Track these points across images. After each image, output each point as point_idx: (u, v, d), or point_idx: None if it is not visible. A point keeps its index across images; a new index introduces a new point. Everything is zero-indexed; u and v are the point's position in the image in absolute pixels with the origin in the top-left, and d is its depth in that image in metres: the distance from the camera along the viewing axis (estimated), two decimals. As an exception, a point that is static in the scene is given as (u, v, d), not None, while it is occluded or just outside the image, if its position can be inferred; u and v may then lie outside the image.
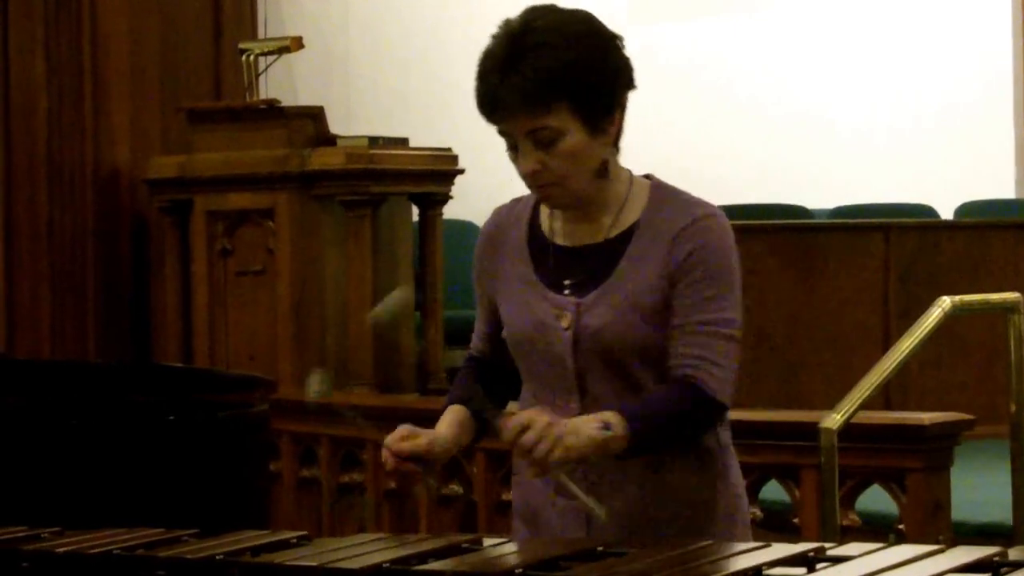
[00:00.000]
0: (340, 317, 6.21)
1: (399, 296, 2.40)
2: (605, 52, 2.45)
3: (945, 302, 3.97)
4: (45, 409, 3.81)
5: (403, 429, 2.46)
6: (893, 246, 6.36)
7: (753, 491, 4.29)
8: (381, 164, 6.22)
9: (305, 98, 7.06)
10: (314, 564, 2.13)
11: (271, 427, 4.33)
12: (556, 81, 2.38)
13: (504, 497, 4.68)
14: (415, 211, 6.52)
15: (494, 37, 2.45)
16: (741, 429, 4.27)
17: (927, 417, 4.11)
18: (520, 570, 2.01)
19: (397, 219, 6.35)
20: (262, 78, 6.58)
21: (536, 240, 2.54)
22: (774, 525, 4.26)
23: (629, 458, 2.38)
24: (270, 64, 6.60)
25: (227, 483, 3.71)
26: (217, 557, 2.20)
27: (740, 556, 2.02)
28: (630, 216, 2.49)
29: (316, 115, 6.38)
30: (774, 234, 6.54)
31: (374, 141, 6.28)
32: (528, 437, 2.29)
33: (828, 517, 3.74)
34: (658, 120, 8.70)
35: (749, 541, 2.31)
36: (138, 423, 3.70)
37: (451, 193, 6.55)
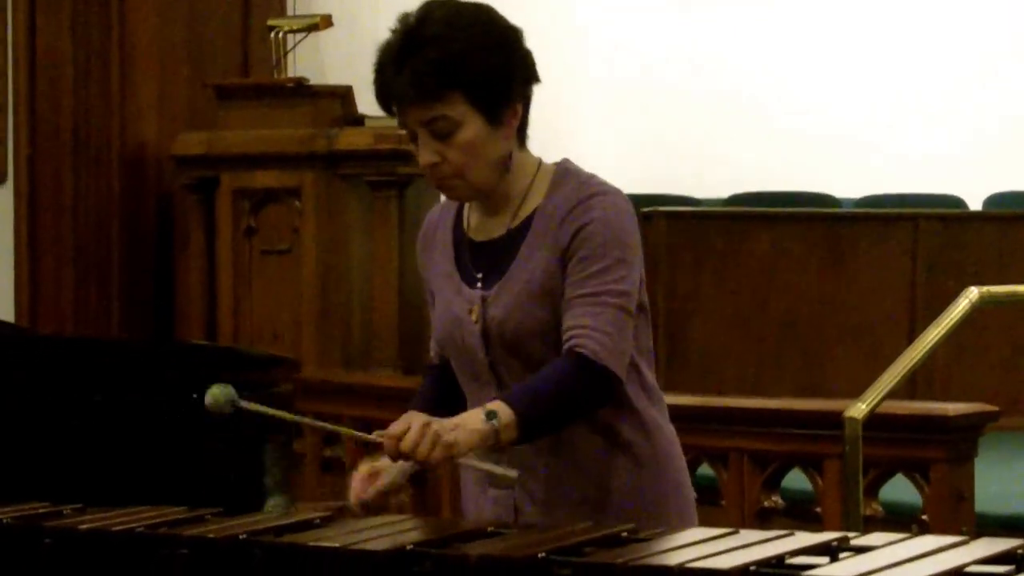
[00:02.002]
0: (365, 298, 6.21)
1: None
2: (500, 43, 2.45)
3: (972, 293, 3.95)
4: (68, 386, 3.81)
5: (364, 469, 2.47)
6: (921, 236, 6.35)
7: (775, 480, 4.28)
8: (408, 145, 6.21)
9: (333, 77, 7.05)
10: (337, 545, 2.13)
11: (294, 406, 4.33)
12: (447, 70, 2.39)
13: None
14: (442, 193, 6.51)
15: (392, 31, 2.46)
16: (765, 417, 4.30)
17: (952, 408, 4.10)
18: (543, 554, 2.01)
19: (424, 200, 6.34)
20: (290, 56, 6.57)
21: (457, 235, 2.56)
22: (796, 514, 4.26)
23: (527, 441, 2.38)
24: (299, 42, 6.59)
25: (250, 462, 3.71)
26: (240, 536, 2.20)
27: (763, 544, 2.01)
28: (531, 205, 2.50)
29: (344, 94, 6.37)
30: (801, 222, 6.53)
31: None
32: (407, 441, 2.29)
33: (851, 507, 3.73)
34: (687, 106, 8.68)
35: (693, 526, 2.34)
36: (161, 401, 3.70)
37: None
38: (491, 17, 2.48)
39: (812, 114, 8.52)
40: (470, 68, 2.40)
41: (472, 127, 2.42)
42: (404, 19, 2.46)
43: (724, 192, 7.97)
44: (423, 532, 2.18)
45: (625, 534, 2.13)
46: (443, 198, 2.58)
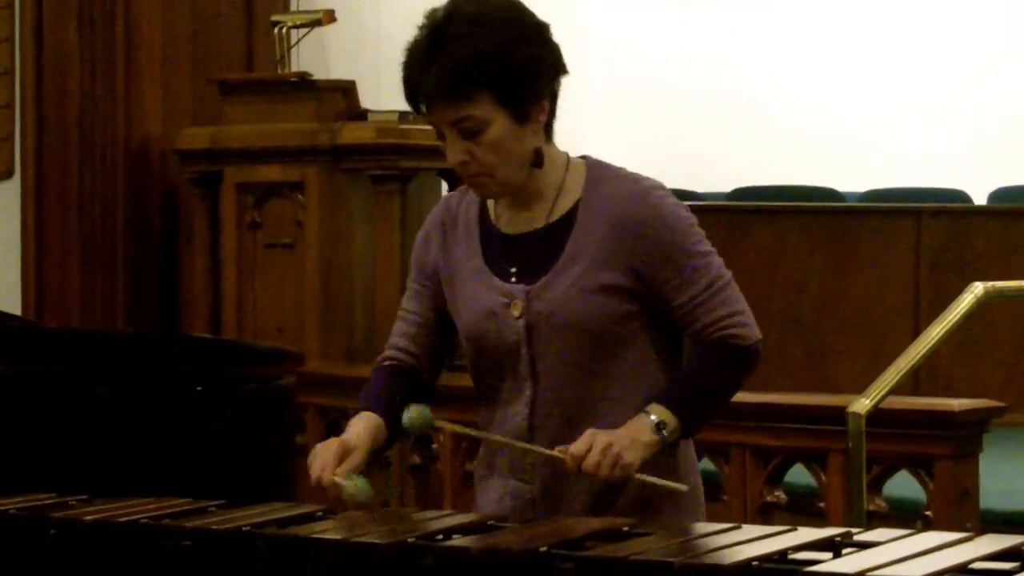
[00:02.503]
0: (368, 291, 6.22)
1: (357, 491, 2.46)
2: (528, 40, 2.44)
3: (977, 288, 3.95)
4: (73, 378, 3.82)
5: (335, 448, 2.44)
6: (925, 231, 6.34)
7: (779, 475, 4.28)
8: (411, 139, 6.22)
9: (336, 72, 7.05)
10: (339, 538, 2.14)
11: (298, 400, 4.34)
12: (476, 70, 2.38)
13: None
14: (444, 186, 6.51)
15: (420, 27, 2.44)
16: (768, 412, 4.29)
17: (956, 404, 4.09)
18: (545, 548, 2.01)
19: (426, 194, 6.34)
20: (294, 51, 6.57)
21: (485, 228, 2.54)
22: (799, 509, 4.26)
23: (691, 435, 2.49)
24: (302, 37, 6.60)
25: (253, 455, 3.72)
26: (244, 529, 2.21)
27: (766, 540, 2.01)
28: (569, 199, 2.49)
29: (347, 89, 6.38)
30: (805, 216, 6.52)
31: (404, 116, 6.26)
32: (589, 461, 2.35)
33: (855, 502, 3.73)
34: (689, 102, 8.68)
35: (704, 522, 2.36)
36: (166, 394, 3.71)
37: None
38: (519, 12, 2.46)
39: (815, 110, 8.52)
40: (498, 67, 2.39)
41: (500, 125, 2.41)
42: (432, 15, 2.44)
43: (727, 186, 7.97)
44: (425, 525, 2.18)
45: (626, 528, 2.13)
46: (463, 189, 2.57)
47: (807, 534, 2.03)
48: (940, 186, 7.78)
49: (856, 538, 2.02)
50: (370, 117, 6.33)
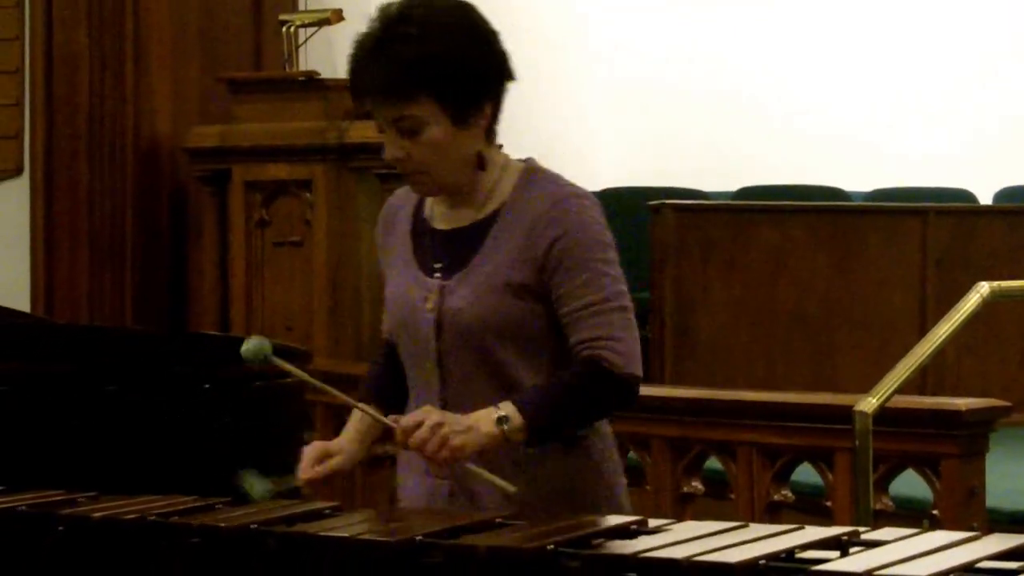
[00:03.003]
0: (376, 289, 6.22)
1: None
2: (475, 46, 2.47)
3: (983, 287, 3.95)
4: (81, 375, 3.83)
5: (316, 449, 2.52)
6: (931, 230, 6.34)
7: (786, 473, 4.28)
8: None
9: (344, 71, 7.04)
10: (347, 535, 2.14)
11: (305, 397, 4.34)
12: (418, 72, 2.41)
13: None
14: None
15: (371, 21, 2.47)
16: (775, 410, 4.30)
17: (963, 403, 4.09)
18: (552, 546, 2.01)
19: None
20: (302, 50, 6.58)
21: (419, 223, 2.59)
22: (806, 508, 4.26)
23: (537, 444, 2.43)
24: (310, 36, 6.61)
25: (261, 453, 3.72)
26: (251, 526, 2.22)
27: (773, 538, 2.02)
28: (497, 200, 2.52)
29: (355, 88, 6.38)
30: (811, 216, 6.52)
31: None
32: (416, 437, 2.35)
33: (862, 501, 3.73)
34: (696, 100, 8.68)
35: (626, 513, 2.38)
36: (174, 391, 3.71)
37: (487, 169, 6.55)
38: (469, 18, 2.50)
39: (822, 110, 8.52)
40: (441, 71, 2.42)
41: (439, 127, 2.44)
42: (384, 12, 2.47)
43: (733, 186, 7.97)
44: (433, 523, 2.19)
45: (634, 527, 2.13)
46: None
47: (814, 533, 2.04)
48: (946, 186, 7.78)
49: (863, 537, 2.03)
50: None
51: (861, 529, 2.06)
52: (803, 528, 2.07)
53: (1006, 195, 7.85)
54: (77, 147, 6.61)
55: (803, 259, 6.33)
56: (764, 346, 6.27)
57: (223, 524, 2.24)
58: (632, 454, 4.52)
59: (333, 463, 2.54)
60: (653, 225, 6.48)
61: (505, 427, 2.38)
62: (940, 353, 3.98)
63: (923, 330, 4.97)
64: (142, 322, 6.49)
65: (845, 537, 2.01)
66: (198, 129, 6.57)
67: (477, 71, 2.46)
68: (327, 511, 2.33)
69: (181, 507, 2.36)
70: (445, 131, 2.44)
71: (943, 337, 3.89)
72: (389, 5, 2.48)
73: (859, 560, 1.91)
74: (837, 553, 1.97)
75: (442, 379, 2.50)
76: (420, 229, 2.58)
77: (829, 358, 6.23)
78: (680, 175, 8.18)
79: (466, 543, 2.07)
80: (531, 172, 2.54)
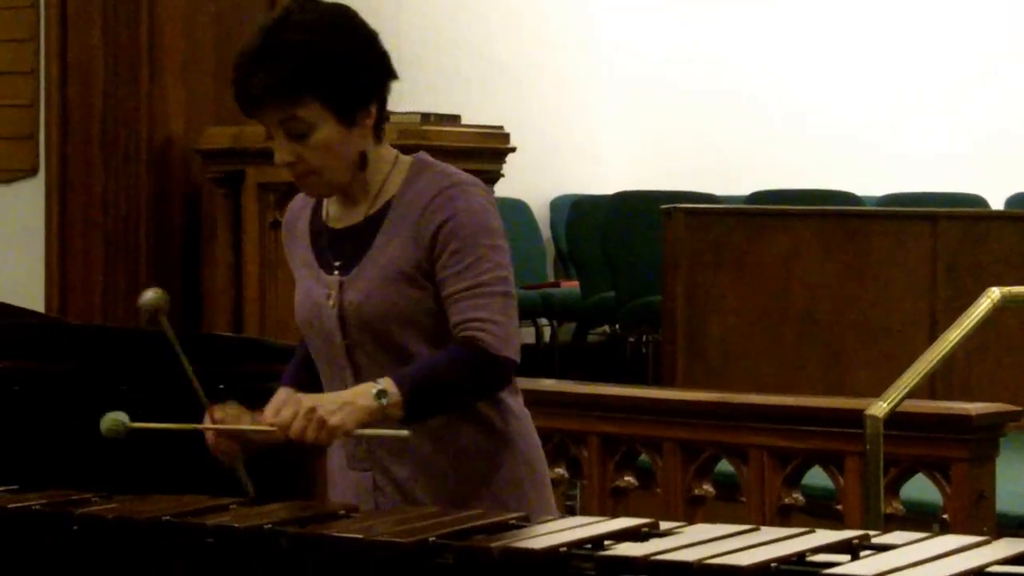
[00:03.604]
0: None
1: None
2: (355, 46, 2.51)
3: (994, 293, 3.95)
4: (95, 375, 3.84)
5: (228, 409, 2.58)
6: (941, 235, 6.34)
7: (796, 477, 4.29)
8: (433, 141, 6.22)
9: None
10: (360, 536, 2.15)
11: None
12: (302, 74, 2.45)
13: (617, 483, 4.53)
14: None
15: (253, 30, 2.52)
16: (786, 414, 4.30)
17: (973, 408, 4.10)
18: (565, 549, 2.02)
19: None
20: (315, 52, 6.59)
21: (316, 224, 2.64)
22: (817, 511, 4.26)
23: (413, 421, 2.46)
24: (323, 38, 6.61)
25: (273, 453, 3.73)
26: (265, 527, 2.23)
27: (784, 541, 2.03)
28: (388, 194, 2.57)
29: (368, 90, 6.38)
30: (822, 220, 6.53)
31: (426, 118, 6.28)
32: (294, 429, 2.40)
33: (872, 505, 3.73)
34: (709, 106, 8.69)
35: (551, 511, 2.49)
36: (186, 392, 3.72)
37: (502, 171, 6.57)
38: (349, 20, 2.54)
39: (834, 114, 8.52)
40: (324, 74, 2.47)
41: (326, 129, 2.49)
42: (267, 19, 2.53)
43: (744, 190, 7.97)
44: (446, 524, 2.20)
45: (646, 529, 2.14)
46: None
47: (825, 536, 2.04)
48: (957, 191, 7.77)
49: (874, 540, 2.03)
50: (391, 118, 6.32)
51: (872, 533, 2.07)
52: (814, 531, 2.07)
53: (1017, 200, 7.84)
54: (91, 148, 6.62)
55: (814, 263, 6.33)
56: (775, 350, 6.27)
57: (236, 524, 2.25)
58: (643, 456, 4.53)
59: (241, 422, 2.56)
60: (664, 229, 6.48)
61: (384, 401, 2.42)
62: (951, 358, 3.98)
63: (933, 335, 4.98)
64: (155, 322, 6.50)
65: (856, 541, 2.02)
66: (211, 130, 6.58)
67: (359, 71, 2.51)
68: (340, 512, 2.34)
69: (195, 507, 2.37)
70: (333, 132, 2.49)
71: (954, 342, 3.89)
72: (268, 15, 2.55)
73: (870, 564, 1.92)
74: (848, 557, 1.97)
75: (354, 373, 2.55)
76: (318, 230, 2.64)
77: (840, 362, 6.23)
78: (692, 179, 8.19)
79: (479, 544, 2.08)
80: (420, 165, 2.60)
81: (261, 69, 2.46)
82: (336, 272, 2.58)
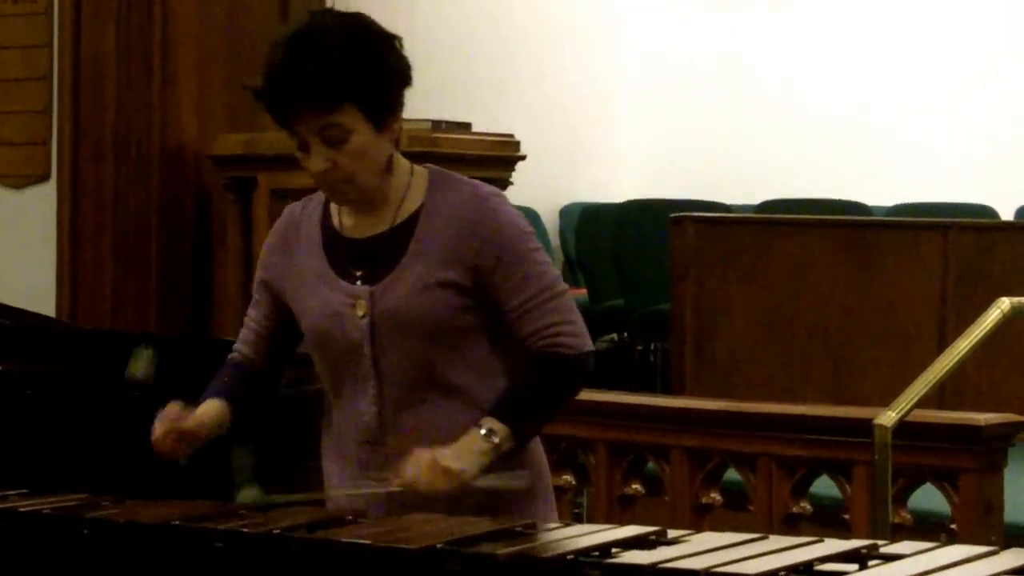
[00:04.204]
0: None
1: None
2: (387, 53, 2.54)
3: (1004, 303, 3.95)
4: (105, 379, 3.85)
5: (175, 407, 2.61)
6: (951, 245, 6.33)
7: (804, 486, 4.29)
8: (443, 148, 6.24)
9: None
10: (368, 542, 2.16)
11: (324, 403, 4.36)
12: (342, 80, 2.47)
13: (625, 491, 4.54)
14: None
15: (277, 42, 2.53)
16: (794, 423, 4.30)
17: (982, 417, 4.10)
18: (572, 556, 2.03)
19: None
20: (326, 59, 6.60)
21: (328, 235, 2.64)
22: (824, 520, 4.26)
23: (522, 445, 2.54)
24: (335, 45, 6.62)
25: (282, 459, 3.75)
26: (274, 531, 2.24)
27: (792, 550, 2.03)
28: (412, 203, 2.59)
29: (379, 97, 6.39)
30: (832, 229, 6.52)
31: (437, 125, 6.29)
32: (423, 483, 2.44)
33: (880, 514, 3.73)
34: (720, 115, 8.69)
35: (556, 520, 2.50)
36: (196, 396, 3.73)
37: (511, 179, 6.58)
38: (371, 25, 2.57)
39: (844, 123, 8.52)
40: (362, 80, 2.49)
41: (362, 134, 2.51)
42: (292, 30, 2.54)
43: (755, 199, 7.97)
44: (454, 531, 2.20)
45: (653, 537, 2.15)
46: (317, 197, 2.67)
47: (833, 545, 2.05)
48: (967, 201, 7.77)
49: (882, 550, 2.03)
50: (402, 125, 6.33)
51: (879, 542, 2.07)
52: (822, 541, 2.08)
53: (1027, 211, 7.84)
54: (103, 153, 6.64)
55: (824, 273, 6.33)
56: (784, 359, 6.27)
57: (246, 529, 2.26)
58: (651, 464, 4.53)
59: (189, 423, 2.60)
60: (674, 237, 6.49)
61: (496, 440, 2.48)
62: (959, 368, 3.98)
63: (943, 344, 4.97)
64: (166, 327, 6.51)
65: (864, 550, 2.02)
66: (223, 137, 6.59)
67: (392, 76, 2.54)
68: (348, 517, 2.35)
69: (203, 512, 2.38)
70: (367, 137, 2.51)
71: (963, 352, 3.89)
72: (289, 27, 2.56)
73: (877, 573, 1.93)
74: (856, 566, 1.98)
75: (378, 384, 2.56)
76: (330, 238, 2.63)
77: (849, 371, 6.23)
78: (701, 188, 8.20)
79: (486, 551, 2.09)
80: (439, 175, 2.62)
81: (301, 78, 2.47)
82: (359, 282, 2.57)
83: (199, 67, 6.74)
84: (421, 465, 2.44)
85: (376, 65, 2.50)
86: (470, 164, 6.43)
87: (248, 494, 2.61)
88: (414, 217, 2.57)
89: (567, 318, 2.55)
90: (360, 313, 2.55)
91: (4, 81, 6.78)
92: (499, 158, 6.49)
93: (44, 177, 6.71)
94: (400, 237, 2.57)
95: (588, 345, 2.57)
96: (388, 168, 2.57)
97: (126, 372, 2.63)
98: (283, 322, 2.69)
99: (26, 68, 6.74)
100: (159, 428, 2.59)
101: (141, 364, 2.62)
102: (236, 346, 2.76)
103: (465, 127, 6.54)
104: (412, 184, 2.60)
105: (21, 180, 6.77)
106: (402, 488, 2.46)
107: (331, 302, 2.59)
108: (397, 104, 2.55)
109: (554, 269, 2.59)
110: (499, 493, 2.53)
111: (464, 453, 2.46)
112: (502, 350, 2.60)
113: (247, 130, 6.55)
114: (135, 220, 6.61)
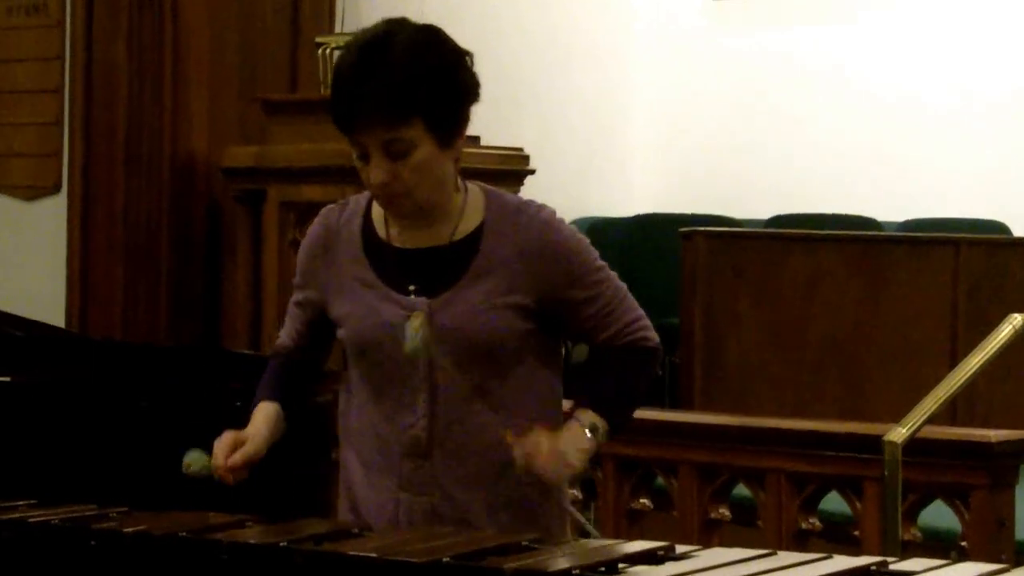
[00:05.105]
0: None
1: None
2: (458, 68, 2.53)
3: (1016, 319, 3.94)
4: (115, 391, 3.86)
5: (228, 437, 2.58)
6: (963, 260, 6.32)
7: (814, 502, 4.28)
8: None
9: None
10: (374, 555, 2.15)
11: (335, 417, 4.36)
12: (412, 95, 2.46)
13: (633, 506, 4.53)
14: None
15: (350, 47, 2.52)
16: (804, 438, 4.29)
17: (993, 434, 4.09)
18: (577, 571, 2.02)
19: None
20: (338, 72, 6.60)
21: (371, 242, 2.61)
22: (834, 537, 4.25)
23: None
24: (346, 58, 6.63)
25: (290, 471, 3.74)
26: (280, 544, 2.23)
27: (801, 567, 2.02)
28: (471, 221, 2.58)
29: (390, 110, 6.40)
30: (843, 244, 6.51)
31: (447, 137, 6.29)
32: (541, 462, 2.44)
33: (890, 531, 3.72)
34: (731, 129, 8.69)
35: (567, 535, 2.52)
36: (206, 408, 3.74)
37: (520, 193, 6.58)
38: (446, 41, 2.55)
39: (855, 138, 8.51)
40: (432, 93, 2.47)
41: (425, 149, 2.49)
42: (365, 38, 2.51)
43: (765, 214, 7.97)
44: (460, 545, 2.20)
45: (661, 552, 2.14)
46: (356, 202, 2.68)
47: (843, 562, 2.04)
48: (979, 217, 7.75)
49: (892, 567, 2.03)
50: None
51: (889, 559, 2.06)
52: (831, 557, 2.07)
53: (1040, 227, 7.81)
54: (115, 165, 6.65)
55: (834, 288, 6.32)
56: (794, 374, 6.26)
57: (252, 541, 2.26)
58: (660, 479, 4.52)
59: (249, 448, 2.58)
60: (684, 252, 6.48)
61: (599, 436, 2.53)
62: (971, 384, 3.97)
63: (954, 360, 4.96)
64: (175, 338, 6.52)
65: (874, 567, 2.01)
66: (234, 149, 6.60)
67: (461, 93, 2.53)
68: (355, 530, 2.35)
69: (211, 523, 2.38)
70: (431, 152, 2.50)
71: (974, 368, 3.88)
72: (363, 33, 2.53)
73: (885, 589, 1.92)
74: (864, 582, 1.97)
75: (430, 397, 2.54)
76: (376, 248, 2.61)
77: (859, 387, 6.22)
78: (712, 202, 8.19)
79: (492, 565, 2.09)
80: (495, 195, 2.63)
81: (368, 88, 2.45)
82: (413, 294, 2.56)
83: (210, 79, 6.75)
84: (543, 448, 2.44)
85: (446, 81, 2.49)
86: (479, 178, 6.41)
87: (194, 458, 2.59)
88: (475, 234, 2.56)
89: (639, 314, 2.64)
90: (416, 325, 2.54)
91: (16, 93, 6.80)
92: (508, 172, 6.49)
93: (55, 189, 6.72)
94: (460, 253, 2.55)
95: (656, 336, 2.66)
96: (451, 183, 2.56)
97: (183, 466, 2.63)
98: (324, 323, 2.67)
99: (38, 80, 6.76)
100: (221, 457, 2.57)
101: (198, 462, 2.61)
102: (281, 339, 2.75)
103: (474, 141, 6.55)
104: (469, 201, 2.59)
105: (32, 192, 6.78)
106: (520, 455, 2.45)
107: (380, 311, 2.56)
108: (463, 121, 2.54)
109: (612, 271, 2.66)
110: (530, 508, 2.55)
111: (578, 451, 2.50)
112: (545, 368, 2.61)
113: (258, 142, 6.57)
114: (146, 232, 6.62)
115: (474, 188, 2.62)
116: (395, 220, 2.60)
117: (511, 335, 2.53)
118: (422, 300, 2.54)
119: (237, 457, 2.56)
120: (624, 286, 2.66)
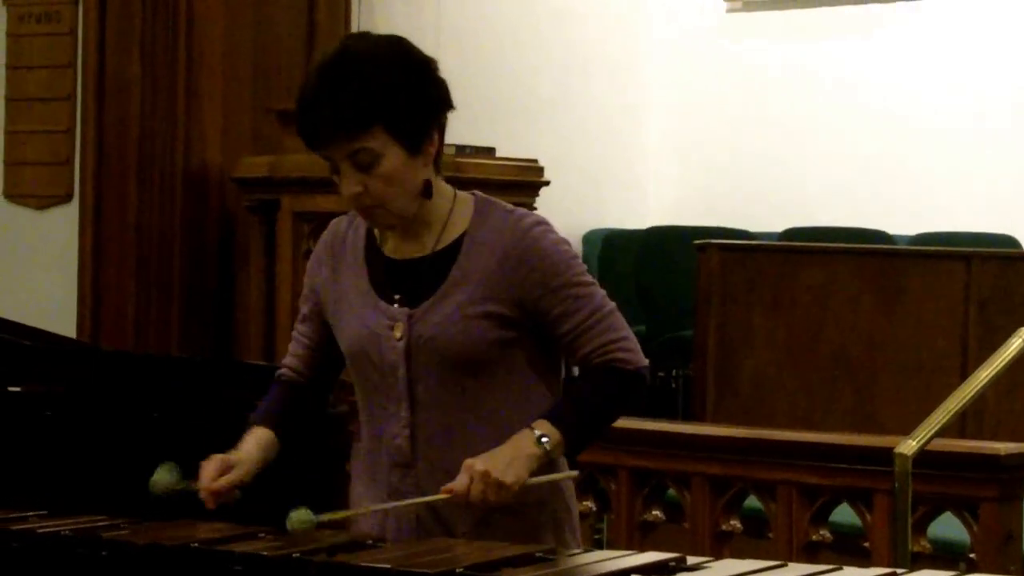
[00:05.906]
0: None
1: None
2: (418, 75, 2.53)
3: (1026, 333, 3.94)
4: (127, 401, 3.86)
5: (215, 462, 2.57)
6: (974, 275, 6.32)
7: (824, 513, 4.28)
8: (467, 173, 6.25)
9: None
10: (388, 566, 2.16)
11: (349, 428, 4.37)
12: (370, 104, 2.46)
13: (645, 517, 4.52)
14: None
15: (313, 66, 2.53)
16: (814, 450, 4.29)
17: (1003, 447, 4.09)
18: (591, 582, 2.03)
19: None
20: (351, 83, 6.61)
21: (370, 252, 2.63)
22: (844, 548, 4.25)
23: (573, 455, 2.56)
24: (360, 69, 6.63)
25: (303, 482, 3.75)
26: (293, 555, 2.24)
27: (811, 578, 2.03)
28: (455, 230, 2.58)
29: (403, 121, 6.40)
30: (855, 258, 6.52)
31: (461, 149, 6.31)
32: (474, 494, 2.42)
33: (900, 543, 3.72)
34: (745, 142, 8.69)
35: (577, 548, 2.48)
36: (218, 419, 3.74)
37: (535, 205, 6.58)
38: (407, 49, 2.55)
39: (868, 152, 8.51)
40: (390, 102, 2.48)
41: (393, 158, 2.49)
42: (323, 54, 2.54)
43: (779, 227, 7.97)
44: (474, 556, 2.20)
45: (673, 564, 2.14)
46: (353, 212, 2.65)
47: (853, 574, 2.04)
48: (990, 231, 7.75)
49: (901, 579, 2.03)
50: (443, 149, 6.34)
51: (899, 571, 2.06)
52: (841, 569, 2.07)
53: (1051, 240, 7.80)
54: (127, 174, 6.66)
55: (847, 301, 6.32)
56: (806, 386, 6.26)
57: (265, 552, 2.26)
58: (671, 491, 4.52)
59: (234, 475, 2.58)
60: (698, 264, 6.48)
61: (547, 445, 2.48)
62: (981, 397, 3.97)
63: (964, 373, 4.96)
64: (188, 349, 6.53)
65: (882, 579, 2.01)
66: (247, 159, 6.61)
67: (423, 99, 2.52)
68: (369, 542, 2.35)
69: (224, 534, 2.38)
70: (399, 161, 2.50)
71: (984, 381, 3.88)
72: (326, 49, 2.55)
73: (896, 602, 1.92)
74: (874, 595, 1.97)
75: (411, 406, 2.55)
76: (372, 257, 2.63)
77: (870, 399, 6.21)
78: (726, 215, 8.19)
79: (505, 576, 2.09)
80: (485, 202, 2.61)
81: (327, 103, 2.47)
82: (397, 303, 2.57)
83: (224, 89, 6.76)
84: (473, 476, 2.42)
85: (406, 88, 2.49)
86: (493, 189, 6.41)
87: (160, 476, 2.59)
88: (456, 244, 2.56)
89: (621, 335, 2.57)
90: (397, 335, 2.55)
91: (28, 101, 6.82)
92: (523, 183, 6.50)
93: (67, 197, 6.73)
94: (441, 263, 2.56)
95: (644, 360, 2.59)
96: (425, 193, 2.55)
97: (151, 484, 2.61)
98: (331, 336, 2.67)
99: (50, 88, 6.78)
100: (206, 481, 2.56)
101: (166, 478, 2.59)
102: (285, 360, 2.75)
103: (489, 152, 6.55)
104: (455, 210, 2.59)
105: (44, 200, 6.80)
106: (448, 497, 2.44)
107: (369, 321, 2.58)
108: (433, 128, 2.54)
109: (600, 290, 2.60)
110: (528, 519, 2.53)
111: (515, 460, 2.45)
112: (540, 381, 2.59)
113: (271, 152, 6.58)
114: (158, 241, 6.63)
115: (464, 197, 2.62)
116: (381, 231, 2.61)
117: (489, 345, 2.52)
118: (403, 310, 2.56)
119: (222, 482, 2.55)
120: (612, 305, 2.60)
